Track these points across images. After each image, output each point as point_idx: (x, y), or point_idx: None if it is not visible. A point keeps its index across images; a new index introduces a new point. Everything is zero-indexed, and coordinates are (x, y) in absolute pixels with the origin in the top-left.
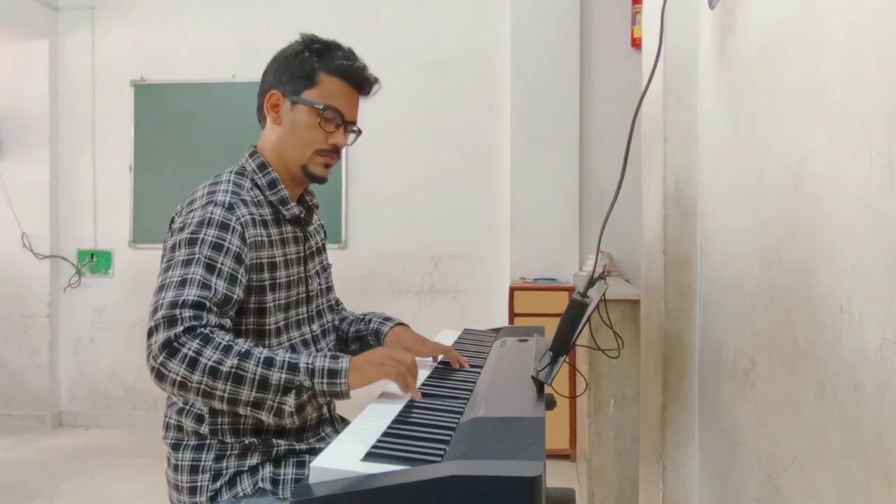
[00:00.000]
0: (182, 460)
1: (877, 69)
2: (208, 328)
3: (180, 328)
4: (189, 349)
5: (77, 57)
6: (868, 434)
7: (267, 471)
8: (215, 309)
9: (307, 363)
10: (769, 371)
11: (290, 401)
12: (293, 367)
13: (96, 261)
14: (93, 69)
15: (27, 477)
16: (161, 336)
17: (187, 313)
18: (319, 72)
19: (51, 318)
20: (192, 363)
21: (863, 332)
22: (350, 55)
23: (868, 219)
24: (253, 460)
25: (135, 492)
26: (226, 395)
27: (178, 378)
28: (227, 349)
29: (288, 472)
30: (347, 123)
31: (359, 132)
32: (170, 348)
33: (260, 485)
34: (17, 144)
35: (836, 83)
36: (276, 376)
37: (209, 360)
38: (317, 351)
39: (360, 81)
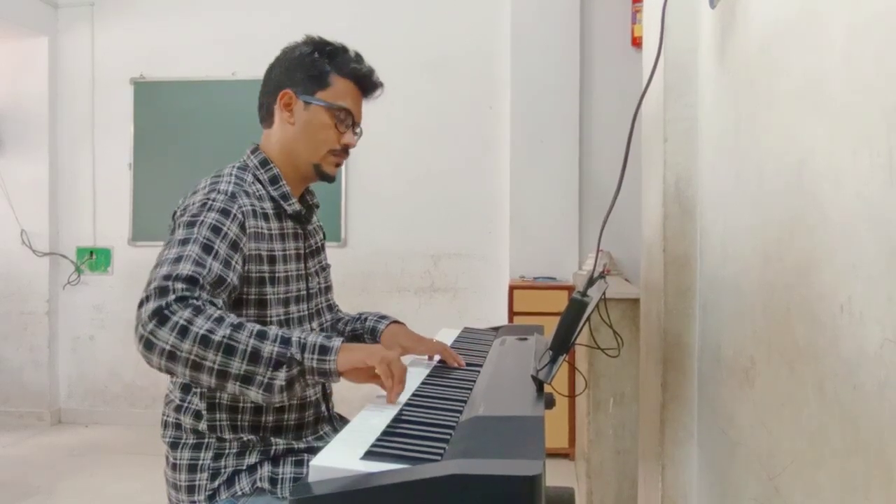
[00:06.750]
0: (180, 459)
1: (877, 68)
2: (200, 301)
3: (171, 297)
4: (180, 318)
5: (76, 54)
6: (868, 433)
7: (265, 470)
8: (208, 287)
9: (300, 337)
10: (769, 370)
11: (282, 375)
12: (286, 341)
13: (95, 258)
14: (92, 66)
15: (26, 474)
16: (152, 305)
17: (180, 285)
18: (332, 74)
19: (50, 315)
20: (183, 331)
21: (863, 331)
22: (358, 59)
23: (868, 218)
24: (251, 459)
25: (133, 489)
26: (216, 367)
27: (168, 347)
28: (219, 320)
29: (286, 471)
30: (356, 124)
31: (361, 132)
32: (160, 316)
33: (258, 484)
34: (16, 141)
35: (836, 82)
36: (268, 349)
37: (200, 328)
38: None
39: (367, 85)
